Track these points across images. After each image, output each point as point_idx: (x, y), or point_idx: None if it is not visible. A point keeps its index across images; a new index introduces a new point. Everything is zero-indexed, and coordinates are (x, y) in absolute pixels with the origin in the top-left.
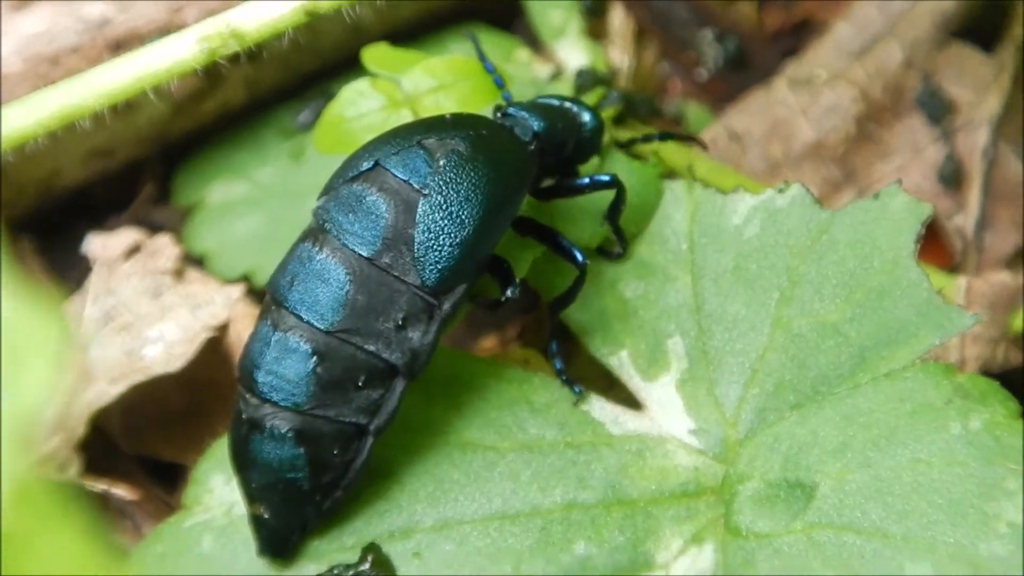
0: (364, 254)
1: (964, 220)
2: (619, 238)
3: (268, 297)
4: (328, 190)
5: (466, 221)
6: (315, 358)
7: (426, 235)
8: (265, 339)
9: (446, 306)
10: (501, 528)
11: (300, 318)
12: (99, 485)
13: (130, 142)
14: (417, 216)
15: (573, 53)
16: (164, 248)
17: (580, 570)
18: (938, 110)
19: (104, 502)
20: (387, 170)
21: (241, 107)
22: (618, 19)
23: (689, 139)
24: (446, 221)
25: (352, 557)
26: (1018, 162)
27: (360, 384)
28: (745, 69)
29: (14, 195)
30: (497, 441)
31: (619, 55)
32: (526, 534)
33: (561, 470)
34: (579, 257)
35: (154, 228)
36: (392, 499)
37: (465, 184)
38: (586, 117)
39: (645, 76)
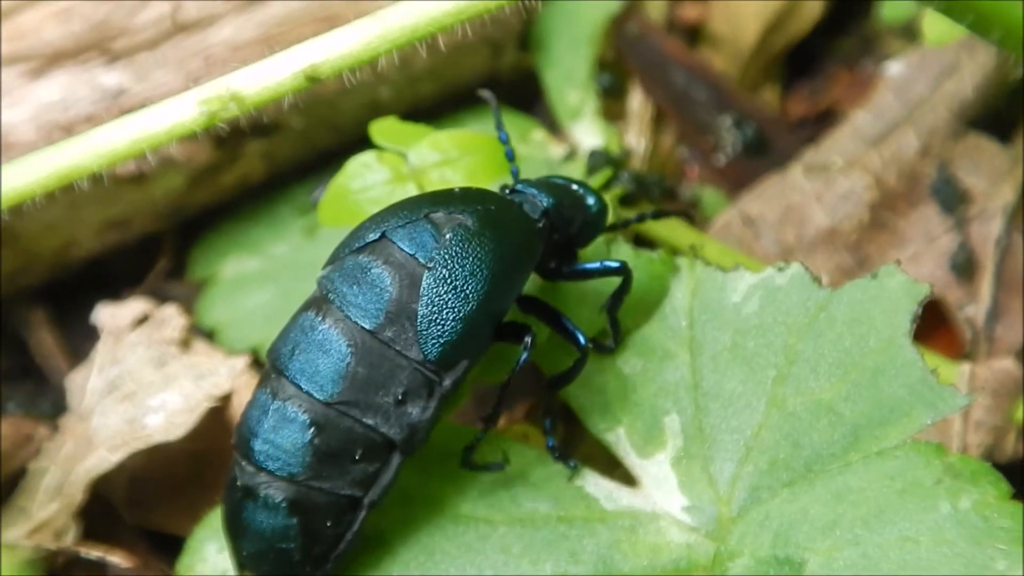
0: (367, 327)
1: (975, 310)
2: (614, 331)
3: (268, 365)
4: (334, 260)
5: (470, 297)
6: (313, 429)
7: (429, 310)
8: (263, 407)
9: (447, 382)
10: None
11: (300, 388)
12: (95, 552)
13: (146, 214)
14: (421, 290)
15: (588, 134)
16: (171, 318)
17: None
18: (952, 199)
19: (102, 570)
20: (393, 243)
21: (260, 181)
22: (637, 101)
23: (679, 213)
24: (450, 296)
25: None
26: None
27: (357, 457)
28: (764, 155)
29: (28, 264)
30: (490, 514)
31: (635, 137)
32: None
33: (553, 544)
34: (581, 340)
35: (168, 301)
36: (383, 569)
37: (471, 260)
38: (590, 200)
39: (662, 159)
